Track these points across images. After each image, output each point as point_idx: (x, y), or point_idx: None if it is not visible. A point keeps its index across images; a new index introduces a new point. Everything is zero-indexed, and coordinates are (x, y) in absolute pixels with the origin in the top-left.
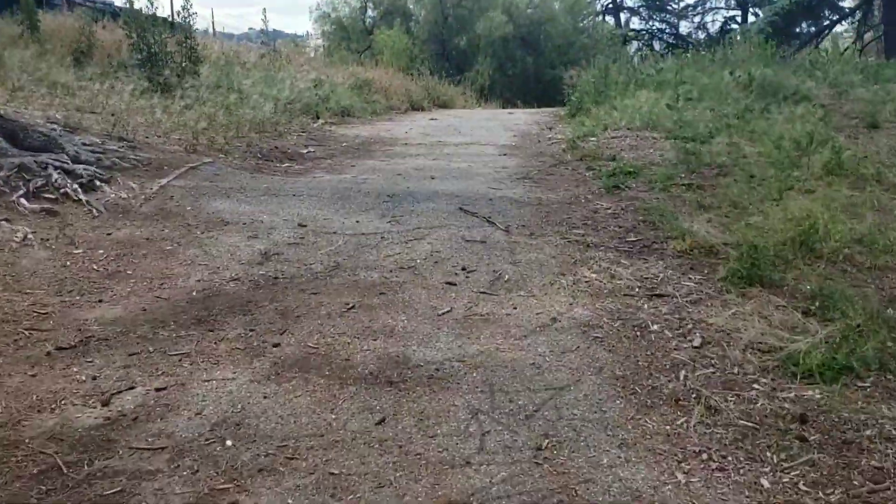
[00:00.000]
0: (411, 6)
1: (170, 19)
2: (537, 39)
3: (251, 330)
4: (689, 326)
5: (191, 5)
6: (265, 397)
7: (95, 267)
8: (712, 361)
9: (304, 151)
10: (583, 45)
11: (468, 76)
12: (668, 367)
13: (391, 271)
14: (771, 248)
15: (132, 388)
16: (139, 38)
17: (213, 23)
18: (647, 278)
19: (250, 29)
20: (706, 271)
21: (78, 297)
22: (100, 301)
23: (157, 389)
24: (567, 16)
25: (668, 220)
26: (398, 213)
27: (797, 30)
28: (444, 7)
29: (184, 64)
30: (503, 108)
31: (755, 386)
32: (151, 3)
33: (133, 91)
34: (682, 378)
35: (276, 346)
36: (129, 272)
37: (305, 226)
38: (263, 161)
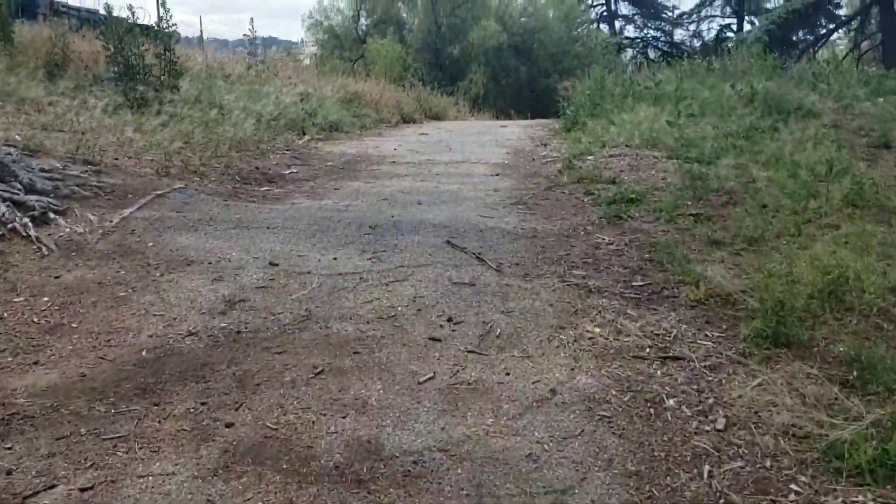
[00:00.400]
0: (404, 15)
1: (156, 27)
2: (531, 48)
3: (203, 403)
4: (711, 402)
5: (170, 15)
6: (209, 501)
7: (36, 319)
8: (740, 451)
9: (286, 172)
10: (577, 54)
11: (462, 85)
12: (688, 458)
13: (368, 322)
14: (797, 301)
15: (53, 486)
16: (116, 50)
17: (201, 30)
18: (658, 334)
19: (245, 35)
20: (724, 326)
21: (10, 359)
22: (35, 363)
23: (82, 489)
24: (561, 24)
25: (678, 261)
26: (380, 247)
27: (794, 38)
28: (437, 16)
29: (162, 77)
30: (496, 118)
31: (793, 486)
32: (132, 12)
33: (106, 107)
34: (706, 475)
35: (229, 426)
36: (73, 325)
37: (277, 264)
38: (241, 184)
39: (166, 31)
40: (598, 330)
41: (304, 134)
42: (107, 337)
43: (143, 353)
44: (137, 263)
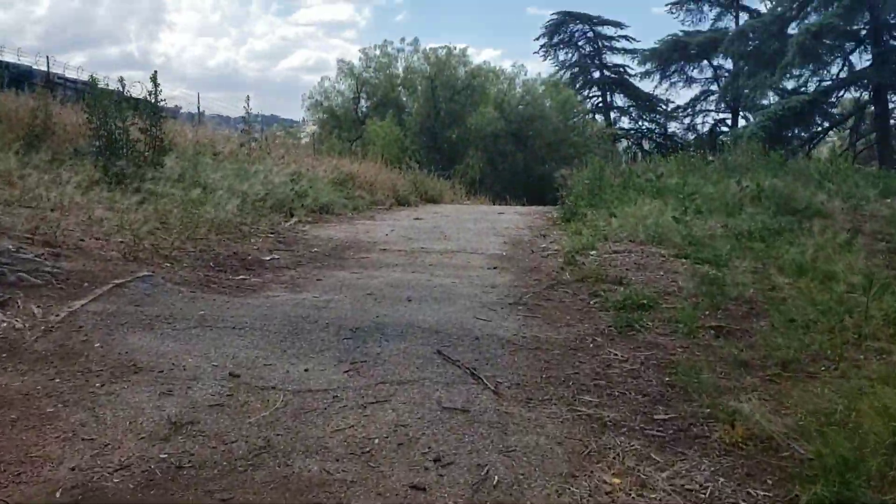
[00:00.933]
0: (404, 99)
1: (151, 100)
2: (528, 136)
3: None
4: None
5: (160, 89)
6: None
7: None
8: None
9: (267, 258)
10: (573, 143)
11: (459, 169)
12: None
13: (338, 460)
14: (868, 461)
15: None
16: (100, 123)
17: (198, 106)
18: (690, 490)
19: (247, 113)
20: (771, 482)
21: None
22: None
23: None
24: (558, 114)
25: (706, 389)
26: (360, 356)
27: (789, 134)
28: (436, 101)
29: (146, 153)
30: (493, 203)
31: None
32: (122, 84)
33: (80, 182)
34: None
35: None
36: None
37: (238, 375)
38: (215, 271)
39: (154, 104)
40: (617, 481)
41: (292, 216)
42: (18, 469)
43: (58, 495)
44: (77, 370)
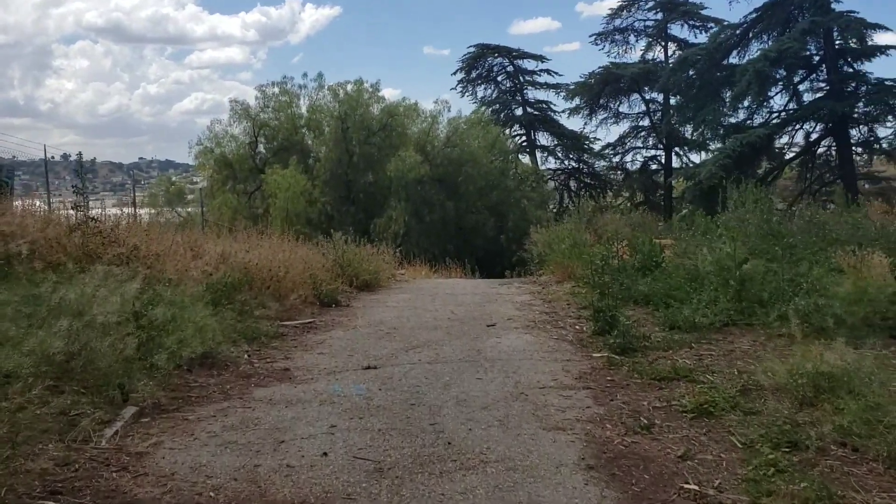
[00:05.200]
0: (310, 142)
1: None
2: (457, 181)
3: None
4: None
5: None
6: None
7: None
8: None
9: None
10: (506, 187)
11: (380, 223)
12: None
13: None
14: None
15: None
16: None
17: (45, 155)
18: None
19: (141, 159)
20: None
21: None
22: None
23: None
24: (488, 155)
25: None
26: None
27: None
28: (348, 144)
29: None
30: (431, 267)
31: None
32: None
33: None
34: None
35: None
36: None
37: None
38: None
39: None
40: None
41: (126, 400)
42: None
43: None
44: None
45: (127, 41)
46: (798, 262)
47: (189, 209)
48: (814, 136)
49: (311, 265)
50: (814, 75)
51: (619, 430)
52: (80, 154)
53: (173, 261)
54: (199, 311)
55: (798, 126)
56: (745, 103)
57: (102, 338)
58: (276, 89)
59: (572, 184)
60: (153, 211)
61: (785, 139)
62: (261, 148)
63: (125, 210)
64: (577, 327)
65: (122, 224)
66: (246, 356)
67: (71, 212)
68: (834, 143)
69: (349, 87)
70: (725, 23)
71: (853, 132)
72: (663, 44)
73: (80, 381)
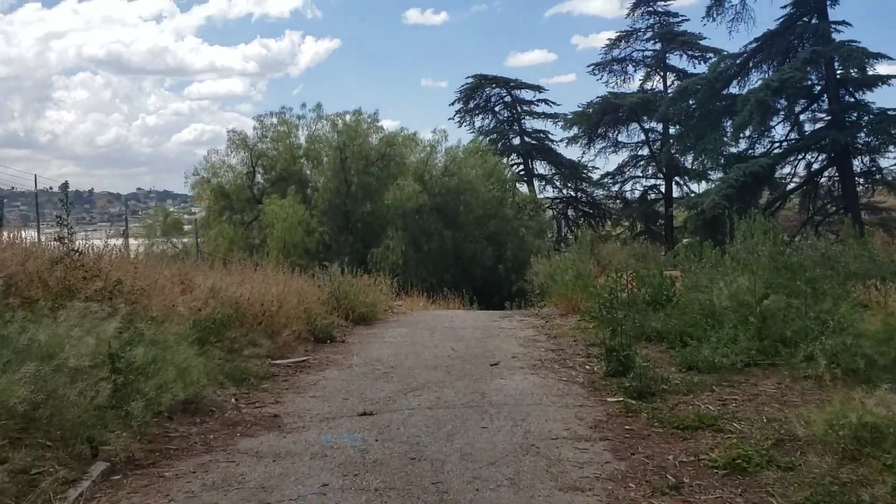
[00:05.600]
0: (308, 172)
1: None
2: (456, 210)
3: None
4: None
5: None
6: None
7: None
8: None
9: None
10: (504, 216)
11: (377, 253)
12: None
13: None
14: None
15: None
16: None
17: (35, 183)
18: None
19: (139, 189)
20: None
21: None
22: None
23: None
24: (486, 184)
25: None
26: None
27: (750, 202)
28: (346, 174)
29: None
30: (429, 297)
31: None
32: None
33: None
34: None
35: None
36: None
37: None
38: None
39: None
40: None
41: (95, 454)
42: None
43: None
44: None
45: (126, 72)
46: (821, 297)
47: (185, 240)
48: (816, 167)
49: (306, 298)
50: (815, 105)
51: (645, 490)
52: (65, 183)
53: (161, 296)
54: (184, 351)
55: (801, 156)
56: (747, 133)
57: (72, 384)
58: (275, 119)
59: (570, 212)
60: (148, 242)
61: (787, 169)
62: (258, 178)
63: (112, 241)
64: (587, 367)
65: (106, 257)
66: (233, 400)
67: (55, 243)
68: (836, 174)
69: (348, 118)
70: (724, 53)
71: (855, 162)
72: (662, 74)
73: (45, 433)
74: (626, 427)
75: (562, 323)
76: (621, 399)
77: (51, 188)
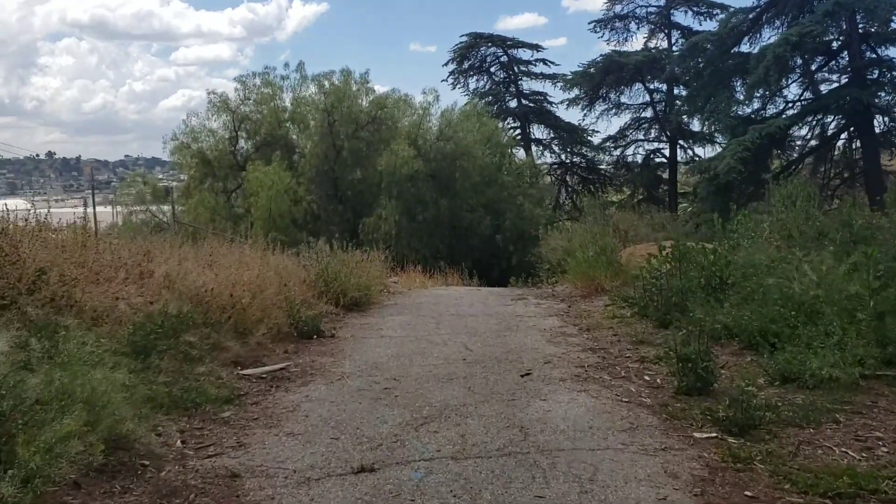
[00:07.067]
0: (294, 137)
1: None
2: (451, 177)
3: None
4: None
5: None
6: None
7: None
8: None
9: None
10: (502, 183)
11: (369, 223)
12: None
13: None
14: None
15: None
16: None
17: None
18: None
19: (127, 156)
20: None
21: None
22: None
23: None
24: (483, 149)
25: None
26: None
27: (767, 165)
28: (335, 138)
29: None
30: (425, 272)
31: None
32: None
33: None
34: None
35: None
36: None
37: None
38: None
39: None
40: None
41: None
42: None
43: None
44: None
45: (112, 38)
46: None
47: (166, 208)
48: (832, 129)
49: (289, 281)
50: (833, 62)
51: None
52: None
53: (101, 287)
54: (108, 372)
55: (820, 117)
56: (759, 93)
57: None
58: (258, 80)
59: (569, 179)
60: (126, 211)
61: (804, 131)
62: (242, 143)
63: (76, 210)
64: (645, 378)
65: (43, 234)
66: (178, 443)
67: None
68: (856, 135)
69: (335, 78)
70: (732, 9)
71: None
72: (666, 31)
73: None
74: (746, 493)
75: (588, 309)
76: (715, 435)
77: (37, 155)
